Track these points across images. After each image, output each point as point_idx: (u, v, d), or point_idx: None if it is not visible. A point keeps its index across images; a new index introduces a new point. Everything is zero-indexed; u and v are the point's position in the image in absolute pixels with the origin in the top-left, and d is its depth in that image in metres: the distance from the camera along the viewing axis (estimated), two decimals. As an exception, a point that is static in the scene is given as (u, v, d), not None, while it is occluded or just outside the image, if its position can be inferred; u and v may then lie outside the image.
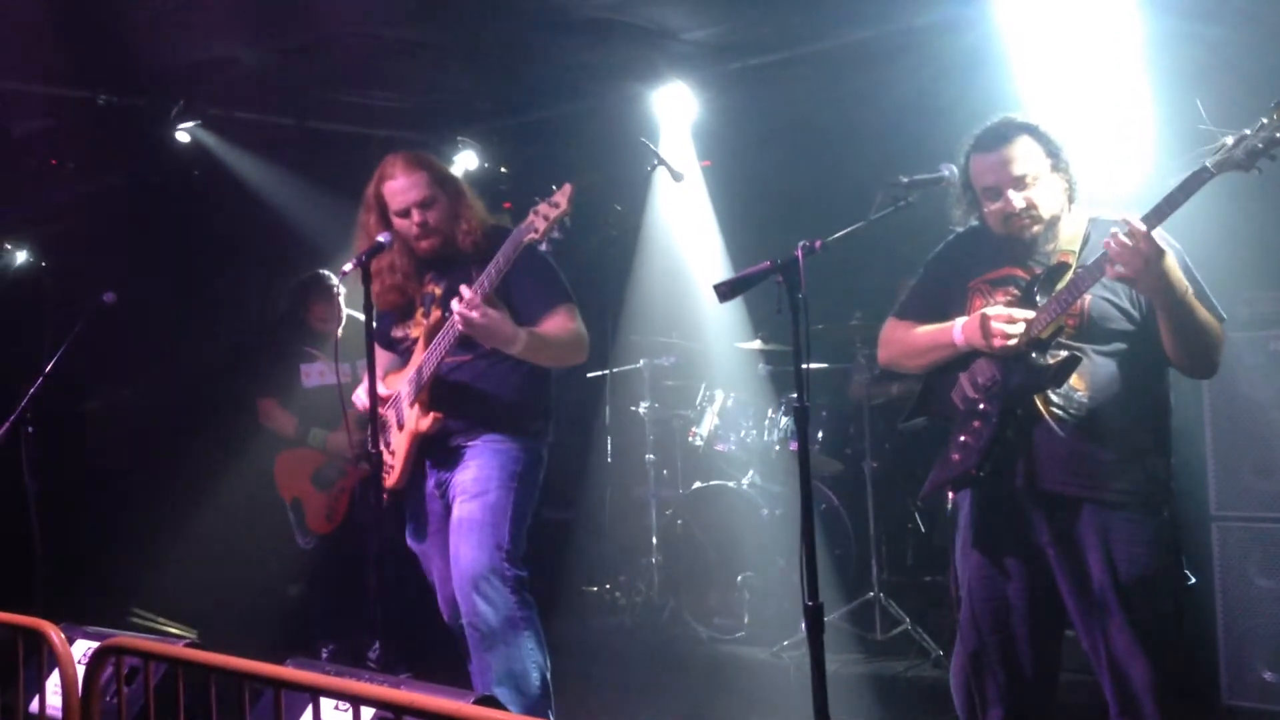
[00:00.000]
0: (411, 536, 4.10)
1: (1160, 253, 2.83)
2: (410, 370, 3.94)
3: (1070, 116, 4.70)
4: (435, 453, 3.96)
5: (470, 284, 3.70)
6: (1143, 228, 2.81)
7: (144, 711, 2.81)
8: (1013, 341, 3.04)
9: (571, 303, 3.91)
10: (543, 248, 3.71)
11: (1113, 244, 2.84)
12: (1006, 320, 3.05)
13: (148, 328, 6.38)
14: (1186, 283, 2.92)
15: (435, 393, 3.89)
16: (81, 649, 3.39)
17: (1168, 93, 4.64)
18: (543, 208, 3.62)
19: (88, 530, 6.04)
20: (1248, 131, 2.75)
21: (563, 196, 3.60)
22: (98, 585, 5.80)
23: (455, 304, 3.65)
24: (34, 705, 3.20)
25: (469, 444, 3.91)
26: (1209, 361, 3.06)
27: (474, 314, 3.61)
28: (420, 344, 3.93)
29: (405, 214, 3.90)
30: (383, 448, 3.98)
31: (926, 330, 3.30)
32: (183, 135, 6.48)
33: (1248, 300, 4.19)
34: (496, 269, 3.67)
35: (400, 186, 3.88)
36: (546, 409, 4.03)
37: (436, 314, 3.90)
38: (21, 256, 6.65)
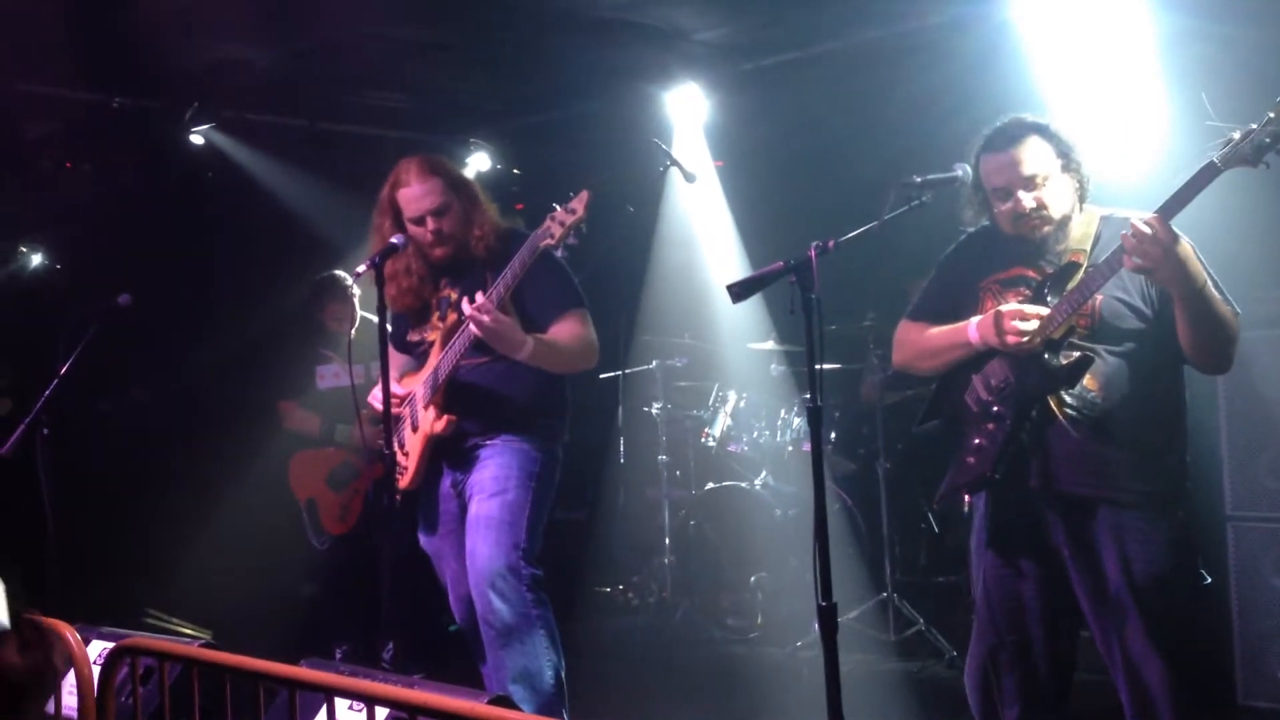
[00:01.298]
0: (425, 537, 4.11)
1: (1177, 240, 2.82)
2: (426, 372, 3.95)
3: (1082, 114, 4.69)
4: (451, 454, 3.97)
5: (485, 287, 3.72)
6: (1159, 217, 2.80)
7: (159, 711, 2.82)
8: (1027, 338, 3.03)
9: (583, 307, 3.92)
10: (559, 254, 3.72)
11: (1130, 235, 2.83)
12: (1021, 317, 3.04)
13: (162, 329, 6.40)
14: (1205, 272, 2.91)
15: (451, 395, 3.90)
16: (97, 649, 3.40)
17: (1178, 89, 4.63)
18: (559, 214, 3.63)
19: (102, 531, 6.05)
20: (1254, 126, 2.74)
21: (579, 203, 3.60)
22: (112, 586, 5.82)
23: (466, 307, 3.67)
24: (50, 706, 3.21)
25: (486, 444, 3.92)
26: (1225, 355, 3.05)
27: (485, 318, 3.63)
28: (436, 347, 3.94)
29: (420, 221, 3.91)
30: (396, 448, 4.00)
31: (941, 331, 3.29)
32: (196, 138, 6.51)
33: (1263, 299, 4.16)
34: (512, 274, 3.69)
35: (415, 194, 3.89)
36: (563, 410, 4.05)
37: (453, 317, 3.91)
38: (36, 259, 6.68)
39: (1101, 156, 3.28)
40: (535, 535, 3.86)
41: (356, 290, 5.46)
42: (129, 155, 6.51)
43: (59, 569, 4.83)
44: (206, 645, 3.27)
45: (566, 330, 3.86)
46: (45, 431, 4.74)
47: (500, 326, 3.67)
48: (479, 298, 3.67)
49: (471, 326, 3.68)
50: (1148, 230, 2.80)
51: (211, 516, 6.13)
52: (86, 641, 3.27)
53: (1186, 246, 2.87)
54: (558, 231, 3.61)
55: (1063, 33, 5.05)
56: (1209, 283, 2.92)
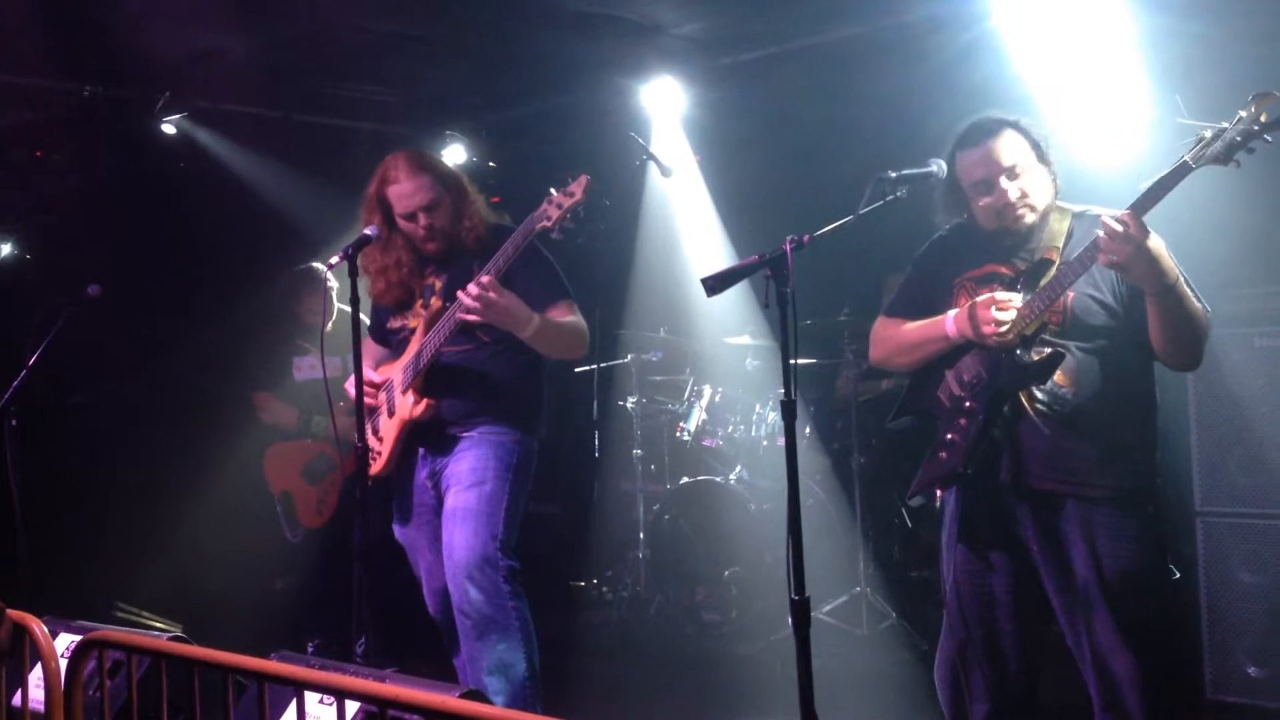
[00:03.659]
0: (399, 528, 4.11)
1: (1148, 236, 2.83)
2: (405, 358, 3.96)
3: (1060, 110, 4.73)
4: (429, 441, 3.98)
5: (471, 276, 3.73)
6: (1131, 214, 2.82)
7: (127, 705, 2.80)
8: (1004, 328, 3.04)
9: (571, 298, 3.95)
10: (554, 236, 3.73)
11: (1102, 232, 2.85)
12: (999, 307, 3.05)
13: (133, 320, 6.35)
14: (1176, 269, 2.92)
15: (432, 380, 3.91)
16: (64, 643, 3.37)
17: (1155, 87, 4.66)
18: (557, 196, 3.65)
19: (72, 524, 6.01)
20: (1225, 125, 2.76)
21: (578, 187, 3.64)
22: (81, 579, 5.78)
23: (470, 287, 3.65)
24: (16, 699, 3.19)
25: (465, 434, 3.92)
26: (1195, 353, 3.07)
27: (491, 294, 3.62)
28: (419, 333, 3.95)
29: (412, 218, 3.93)
30: (370, 435, 3.99)
31: (917, 326, 3.30)
32: (169, 127, 6.45)
33: (1234, 296, 4.20)
34: (505, 257, 3.71)
35: (405, 191, 3.90)
36: (540, 403, 4.06)
37: (437, 303, 3.93)
38: (6, 248, 6.62)
39: (1079, 152, 3.30)
40: (512, 527, 3.87)
41: (334, 283, 5.44)
42: (101, 145, 6.45)
43: (28, 561, 4.79)
44: (176, 639, 3.25)
45: (559, 317, 3.88)
46: (14, 423, 4.70)
47: (508, 302, 3.67)
48: (484, 278, 3.65)
49: (467, 313, 3.67)
50: (1119, 227, 2.81)
51: (183, 509, 6.09)
52: (54, 634, 3.24)
53: (1158, 243, 2.89)
54: (554, 214, 3.64)
55: (1041, 30, 5.07)
56: (1180, 280, 2.94)
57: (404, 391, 3.92)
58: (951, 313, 3.18)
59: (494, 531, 3.80)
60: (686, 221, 6.98)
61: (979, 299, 3.10)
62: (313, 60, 6.10)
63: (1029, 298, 3.05)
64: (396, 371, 3.99)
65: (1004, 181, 3.10)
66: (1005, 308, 3.04)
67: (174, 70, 6.05)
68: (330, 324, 5.21)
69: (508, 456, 3.90)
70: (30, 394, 4.74)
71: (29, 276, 6.49)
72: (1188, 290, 2.96)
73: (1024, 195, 3.11)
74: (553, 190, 3.66)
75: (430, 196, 3.90)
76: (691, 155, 6.85)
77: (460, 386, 3.91)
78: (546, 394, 4.08)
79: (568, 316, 3.90)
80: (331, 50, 5.97)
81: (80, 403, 6.65)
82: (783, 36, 5.89)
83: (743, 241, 6.54)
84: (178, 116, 6.42)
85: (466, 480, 3.85)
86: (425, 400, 3.88)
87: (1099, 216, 2.99)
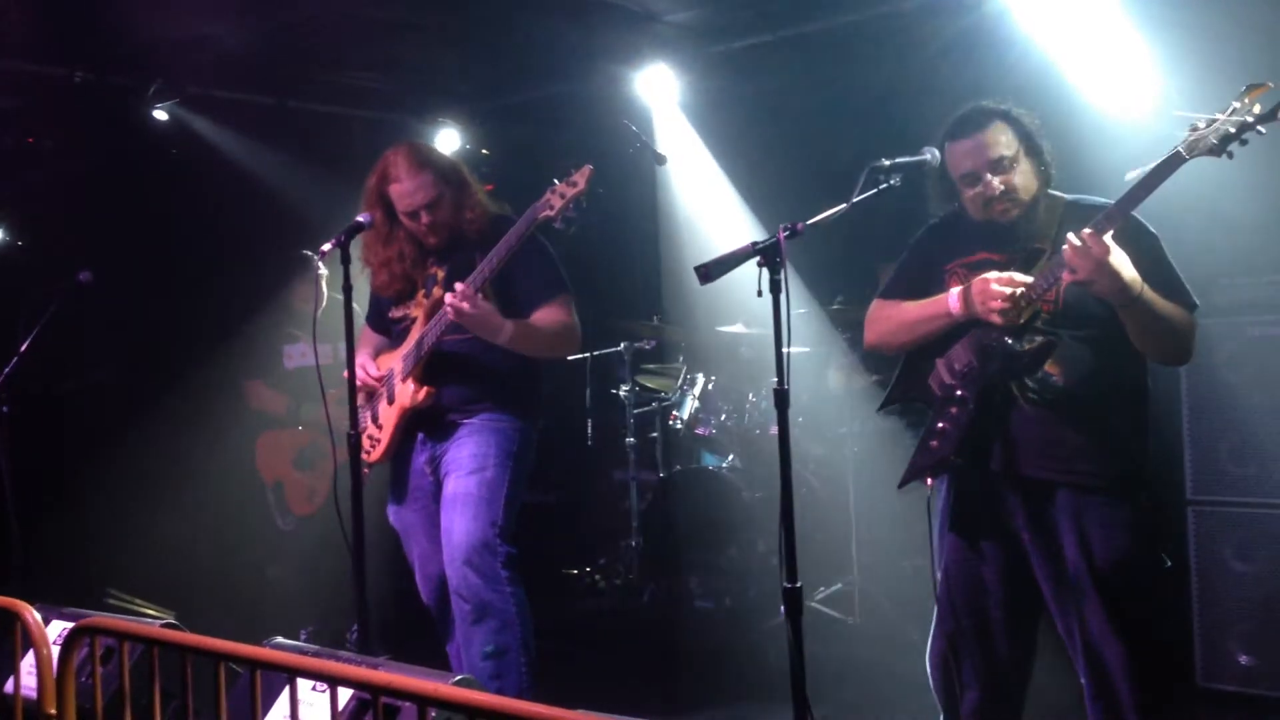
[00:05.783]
0: (394, 510, 4.12)
1: (1109, 253, 2.83)
2: (406, 347, 3.97)
3: (1055, 98, 4.72)
4: (429, 427, 3.99)
5: (473, 268, 3.75)
6: (1092, 232, 2.81)
7: (120, 692, 2.80)
8: (1011, 304, 3.02)
9: (569, 295, 3.96)
10: (557, 225, 3.75)
11: (1068, 250, 2.85)
12: (1008, 283, 3.04)
13: (124, 307, 6.33)
14: (1141, 281, 2.90)
15: (432, 367, 3.93)
16: (57, 629, 3.37)
17: (1150, 75, 4.66)
18: (560, 187, 3.68)
19: (64, 511, 6.00)
20: (1219, 115, 2.76)
21: (581, 177, 3.67)
22: (74, 566, 5.77)
23: (448, 295, 3.70)
24: (9, 686, 3.19)
25: (465, 421, 3.94)
26: (1177, 352, 3.09)
27: (464, 304, 3.67)
28: (419, 321, 3.98)
29: (414, 216, 3.95)
30: (369, 422, 4.01)
31: (918, 304, 3.28)
32: (160, 114, 6.42)
33: (1225, 286, 4.21)
34: (506, 247, 3.73)
35: (407, 189, 3.91)
36: (540, 392, 4.08)
37: (438, 293, 3.94)
38: (-3, 235, 6.59)
39: (1074, 140, 3.30)
40: (511, 514, 3.90)
41: (324, 270, 5.42)
42: (92, 131, 6.42)
43: (20, 548, 4.78)
44: (168, 626, 3.25)
45: (550, 315, 3.90)
46: (5, 410, 4.69)
47: (480, 312, 3.71)
48: (458, 286, 3.69)
49: (450, 314, 3.71)
50: (1079, 243, 2.82)
51: (176, 496, 6.08)
52: (46, 621, 3.23)
53: (1120, 259, 2.87)
54: (557, 203, 3.67)
55: (1036, 16, 5.07)
56: (1145, 290, 2.91)
57: (404, 379, 3.92)
58: (956, 289, 3.17)
59: (494, 518, 3.82)
60: (681, 209, 6.96)
61: (990, 275, 3.07)
62: (305, 47, 6.07)
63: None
64: (397, 360, 4.01)
65: (989, 175, 3.10)
66: (1018, 284, 3.02)
67: (166, 56, 6.02)
68: (321, 311, 5.20)
69: (509, 444, 3.92)
70: (21, 381, 4.73)
71: (19, 264, 6.46)
72: (1159, 296, 2.95)
73: (1009, 190, 3.10)
74: (555, 180, 3.68)
75: (432, 194, 3.91)
76: (689, 142, 6.83)
77: (462, 374, 3.93)
78: (542, 384, 4.10)
79: (560, 315, 3.91)
80: (325, 37, 5.95)
81: (72, 390, 6.62)
82: (776, 24, 5.87)
83: (737, 229, 6.53)
84: (169, 103, 6.38)
85: (467, 466, 3.88)
86: (426, 388, 3.90)
87: (1092, 205, 3.00)
